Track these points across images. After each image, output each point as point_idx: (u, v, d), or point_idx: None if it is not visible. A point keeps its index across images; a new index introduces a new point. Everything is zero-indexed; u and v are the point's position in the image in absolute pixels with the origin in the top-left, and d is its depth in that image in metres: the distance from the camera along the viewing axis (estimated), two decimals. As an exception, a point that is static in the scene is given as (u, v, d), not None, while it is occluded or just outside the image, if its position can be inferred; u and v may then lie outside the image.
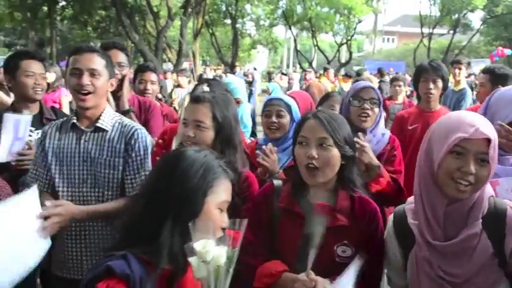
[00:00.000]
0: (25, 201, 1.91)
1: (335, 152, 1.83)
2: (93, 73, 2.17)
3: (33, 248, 1.89)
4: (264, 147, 2.49)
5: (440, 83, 3.53)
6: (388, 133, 2.82)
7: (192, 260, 1.30)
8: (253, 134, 4.50)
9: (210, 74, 18.20)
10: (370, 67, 19.73)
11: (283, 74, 18.96)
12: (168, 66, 23.02)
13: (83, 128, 2.24)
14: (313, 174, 1.82)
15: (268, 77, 16.53)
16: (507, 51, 19.64)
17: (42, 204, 1.96)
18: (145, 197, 1.43)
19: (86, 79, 2.15)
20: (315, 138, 1.84)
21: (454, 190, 1.55)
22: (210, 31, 29.87)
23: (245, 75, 17.77)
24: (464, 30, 33.33)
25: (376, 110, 2.71)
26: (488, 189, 1.62)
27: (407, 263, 1.73)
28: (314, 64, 33.45)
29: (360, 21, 31.54)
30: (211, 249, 1.26)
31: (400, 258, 1.77)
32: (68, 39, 31.17)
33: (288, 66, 40.75)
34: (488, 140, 1.51)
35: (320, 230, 1.57)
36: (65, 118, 2.40)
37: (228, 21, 30.13)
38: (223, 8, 28.90)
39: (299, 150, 1.87)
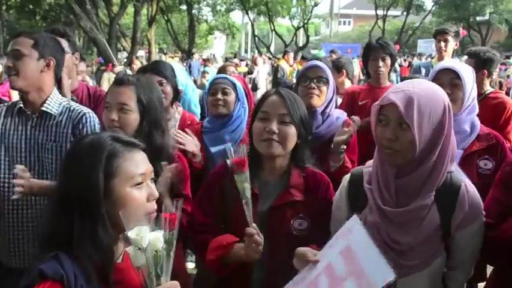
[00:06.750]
0: None
1: (293, 129, 1.86)
2: (15, 54, 2.14)
3: None
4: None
5: (388, 60, 3.58)
6: (343, 117, 2.72)
7: (128, 249, 1.26)
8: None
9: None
10: (327, 50, 19.85)
11: (241, 60, 18.80)
12: (123, 55, 22.50)
13: (29, 112, 2.22)
14: (270, 145, 1.84)
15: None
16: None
17: None
18: (55, 192, 1.35)
19: (9, 61, 2.15)
20: (276, 114, 1.86)
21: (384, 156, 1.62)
22: (166, 18, 29.27)
23: (205, 61, 17.47)
24: (417, 12, 34.11)
25: (324, 88, 2.61)
26: (448, 163, 1.63)
27: None
28: (272, 49, 33.46)
29: (316, 5, 31.78)
30: (146, 234, 1.21)
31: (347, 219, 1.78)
32: (16, 29, 29.87)
33: (246, 52, 40.54)
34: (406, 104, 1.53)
35: (248, 186, 1.68)
36: (9, 103, 2.36)
37: (184, 7, 29.58)
38: (178, -7, 28.33)
39: (259, 124, 1.88)
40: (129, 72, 8.14)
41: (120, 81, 2.10)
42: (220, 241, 1.84)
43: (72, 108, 2.27)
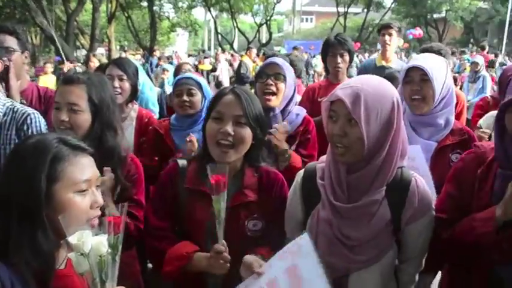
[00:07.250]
0: None
1: (249, 131, 1.80)
2: None
3: None
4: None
5: (347, 57, 3.63)
6: (302, 114, 2.73)
7: (70, 255, 1.20)
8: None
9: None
10: (290, 47, 19.96)
11: (205, 57, 18.63)
12: (82, 52, 21.92)
13: None
14: (225, 152, 1.77)
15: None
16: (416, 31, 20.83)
17: None
18: None
19: None
20: (231, 115, 1.78)
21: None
22: (126, 14, 28.68)
23: (159, 59, 17.15)
24: (377, 9, 34.79)
25: (281, 85, 2.58)
26: (398, 159, 1.63)
27: (307, 220, 1.73)
28: (235, 46, 33.37)
29: (278, 1, 31.87)
30: (88, 239, 1.16)
31: (300, 215, 1.78)
32: (-33, 26, 28.57)
33: (209, 49, 40.22)
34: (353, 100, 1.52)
35: (224, 205, 1.60)
36: None
37: (145, 3, 29.03)
38: (138, -11, 27.82)
39: (213, 125, 1.79)
40: (79, 70, 7.84)
41: (69, 80, 1.97)
42: (179, 251, 1.76)
43: (15, 109, 2.16)
